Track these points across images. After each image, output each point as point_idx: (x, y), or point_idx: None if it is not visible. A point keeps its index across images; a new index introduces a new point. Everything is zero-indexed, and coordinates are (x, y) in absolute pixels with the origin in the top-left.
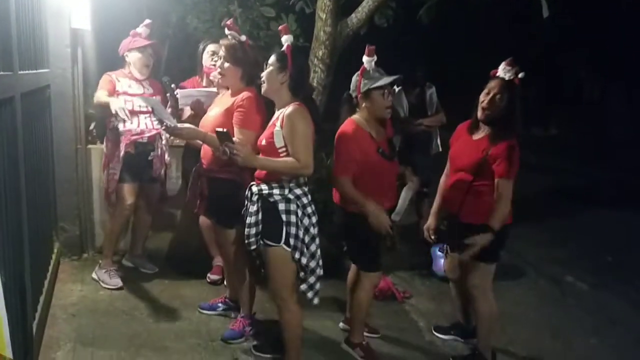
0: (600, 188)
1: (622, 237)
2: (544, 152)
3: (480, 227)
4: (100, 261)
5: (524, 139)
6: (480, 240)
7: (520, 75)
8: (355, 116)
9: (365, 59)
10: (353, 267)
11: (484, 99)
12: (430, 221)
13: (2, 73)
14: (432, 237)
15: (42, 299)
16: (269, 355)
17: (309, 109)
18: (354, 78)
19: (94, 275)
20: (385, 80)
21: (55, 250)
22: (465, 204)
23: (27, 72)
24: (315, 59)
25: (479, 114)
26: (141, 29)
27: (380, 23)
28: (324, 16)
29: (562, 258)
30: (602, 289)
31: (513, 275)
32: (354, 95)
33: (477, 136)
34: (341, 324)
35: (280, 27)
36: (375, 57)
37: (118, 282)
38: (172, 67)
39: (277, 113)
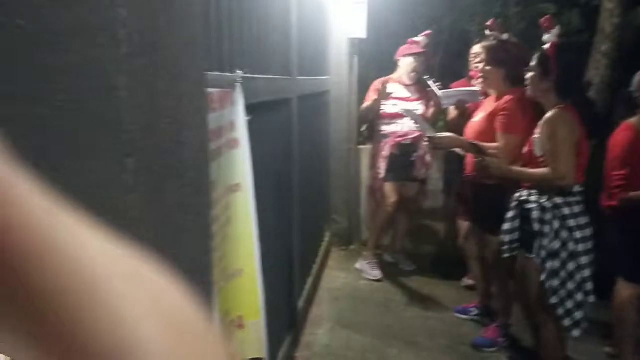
0: None
1: None
2: None
3: None
4: (364, 253)
5: None
6: None
7: None
8: (635, 120)
9: None
10: (619, 283)
11: None
12: None
13: (282, 77)
14: None
15: (310, 280)
16: None
17: (580, 111)
18: (637, 76)
19: (357, 266)
20: None
21: (327, 239)
22: None
23: (304, 78)
24: (599, 55)
25: None
26: (420, 38)
27: None
28: (611, 6)
29: None
30: None
31: None
32: (634, 94)
33: None
34: (606, 348)
35: (541, 21)
36: None
37: (378, 274)
38: (446, 71)
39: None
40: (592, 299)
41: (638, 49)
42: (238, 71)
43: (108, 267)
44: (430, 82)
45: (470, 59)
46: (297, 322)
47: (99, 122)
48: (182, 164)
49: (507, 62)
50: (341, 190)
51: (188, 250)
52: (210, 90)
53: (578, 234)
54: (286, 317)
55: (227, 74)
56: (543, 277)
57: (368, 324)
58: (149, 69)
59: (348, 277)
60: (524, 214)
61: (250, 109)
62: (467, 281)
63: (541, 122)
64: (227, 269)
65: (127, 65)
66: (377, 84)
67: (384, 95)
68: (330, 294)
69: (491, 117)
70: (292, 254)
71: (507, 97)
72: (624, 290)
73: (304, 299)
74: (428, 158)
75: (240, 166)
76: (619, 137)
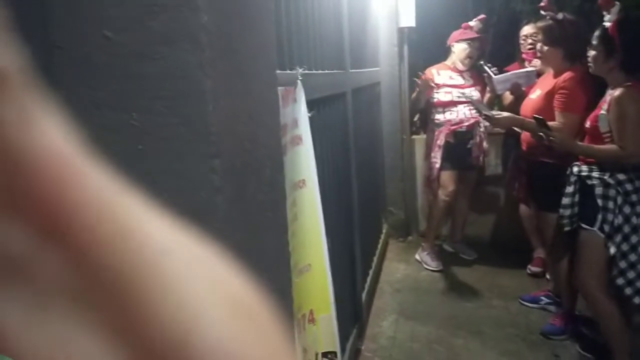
0: None
1: None
2: None
3: None
4: (422, 244)
5: None
6: None
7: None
8: None
9: None
10: None
11: None
12: None
13: (337, 71)
14: None
15: (371, 272)
16: (594, 357)
17: None
18: None
19: (416, 257)
20: None
21: (384, 231)
22: None
23: (357, 70)
24: None
25: None
26: (474, 23)
27: None
28: None
29: None
30: None
31: None
32: None
33: None
34: None
35: (600, 1)
36: None
37: (439, 264)
38: (496, 54)
39: (607, 93)
40: None
41: None
42: (298, 68)
43: (172, 251)
44: (486, 67)
45: (521, 41)
46: (362, 315)
47: (189, 125)
48: (259, 163)
49: (564, 41)
50: (396, 181)
51: (268, 247)
52: (279, 88)
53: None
54: (351, 310)
55: (289, 72)
56: (608, 246)
57: (431, 314)
58: (229, 72)
59: (408, 268)
60: (584, 189)
61: (309, 104)
62: (532, 269)
63: (608, 99)
64: (296, 265)
65: (211, 70)
66: (428, 72)
67: (424, 86)
68: (392, 286)
69: (550, 95)
70: (354, 247)
71: (566, 75)
72: None
73: (366, 291)
74: (485, 145)
75: (304, 162)
76: None
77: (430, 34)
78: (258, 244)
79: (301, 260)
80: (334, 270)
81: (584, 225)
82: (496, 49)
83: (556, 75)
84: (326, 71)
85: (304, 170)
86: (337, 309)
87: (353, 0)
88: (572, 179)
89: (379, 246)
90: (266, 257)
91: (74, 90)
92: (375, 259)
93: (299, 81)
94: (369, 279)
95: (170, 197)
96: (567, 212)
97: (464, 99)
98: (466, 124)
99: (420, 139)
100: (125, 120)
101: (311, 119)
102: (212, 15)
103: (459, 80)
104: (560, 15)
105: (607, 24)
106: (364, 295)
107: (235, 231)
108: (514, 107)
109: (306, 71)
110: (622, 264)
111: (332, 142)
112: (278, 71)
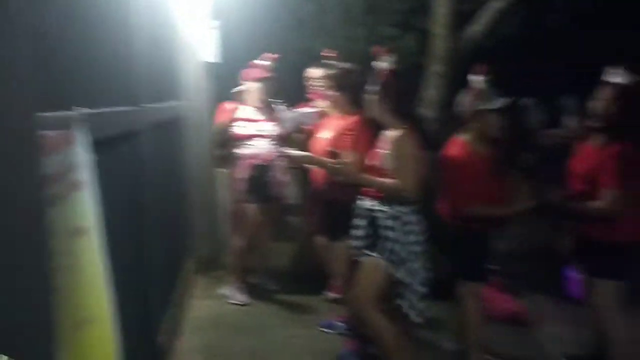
0: None
1: None
2: None
3: (609, 244)
4: (228, 278)
5: None
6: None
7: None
8: (464, 136)
9: (474, 78)
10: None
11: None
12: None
13: (128, 108)
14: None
15: (170, 312)
16: None
17: (417, 130)
18: (463, 96)
19: (222, 291)
20: (499, 103)
21: (188, 267)
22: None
23: (154, 105)
24: (432, 75)
25: (594, 121)
26: (264, 62)
27: (507, 33)
28: (439, 30)
29: None
30: None
31: None
32: (461, 113)
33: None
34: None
35: (374, 50)
36: (486, 77)
37: (244, 297)
38: (298, 94)
39: (385, 135)
40: (426, 289)
41: (466, 70)
42: (76, 108)
43: None
44: (275, 105)
45: (306, 82)
46: (159, 357)
47: None
48: (15, 219)
49: (350, 88)
50: (202, 216)
51: (30, 309)
52: (45, 132)
53: (418, 237)
54: (147, 356)
55: (63, 113)
56: (391, 272)
57: (235, 351)
58: None
59: (213, 304)
60: (370, 220)
61: (95, 145)
62: (330, 295)
63: (389, 140)
64: (74, 319)
65: None
66: (222, 108)
67: (224, 128)
68: (196, 323)
69: (338, 136)
70: (148, 289)
71: (352, 119)
72: (468, 289)
73: (165, 333)
74: (283, 177)
75: (85, 209)
76: (452, 152)
77: (237, 69)
78: (17, 308)
79: (79, 312)
80: (125, 317)
81: (368, 252)
82: (294, 86)
83: (343, 118)
84: (115, 109)
85: (85, 217)
86: (131, 356)
87: (150, 32)
88: (359, 212)
89: (180, 283)
90: (23, 319)
91: None
92: (175, 297)
93: (76, 123)
94: (168, 319)
95: None
96: (356, 243)
97: (260, 134)
98: (263, 157)
99: (222, 172)
100: None
101: (97, 161)
102: None
103: (256, 115)
104: (345, 65)
105: (382, 71)
106: (162, 338)
107: None
108: (303, 144)
109: (87, 110)
110: (401, 287)
111: (123, 182)
112: (48, 113)
